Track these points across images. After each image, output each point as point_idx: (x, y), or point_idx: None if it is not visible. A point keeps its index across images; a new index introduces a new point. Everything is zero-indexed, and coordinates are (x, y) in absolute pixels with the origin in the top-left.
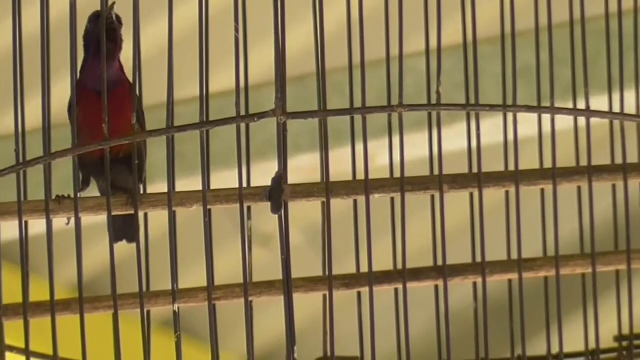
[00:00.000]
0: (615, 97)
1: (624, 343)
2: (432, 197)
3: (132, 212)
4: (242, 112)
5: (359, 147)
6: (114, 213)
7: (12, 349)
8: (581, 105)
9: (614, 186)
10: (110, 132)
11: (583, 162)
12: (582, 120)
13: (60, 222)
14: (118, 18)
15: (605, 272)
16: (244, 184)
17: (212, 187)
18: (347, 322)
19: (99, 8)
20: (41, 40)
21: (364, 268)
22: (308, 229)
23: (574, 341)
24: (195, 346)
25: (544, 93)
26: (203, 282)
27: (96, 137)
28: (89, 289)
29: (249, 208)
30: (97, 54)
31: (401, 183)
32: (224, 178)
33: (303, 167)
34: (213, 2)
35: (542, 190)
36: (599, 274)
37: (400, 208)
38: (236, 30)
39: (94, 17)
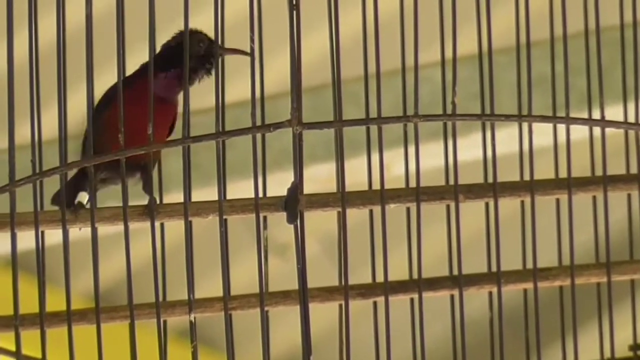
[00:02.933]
0: (631, 107)
1: (639, 352)
2: (448, 207)
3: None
4: (258, 123)
5: (375, 157)
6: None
7: (29, 359)
8: (596, 115)
9: (629, 196)
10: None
11: (598, 172)
12: (597, 130)
13: (76, 232)
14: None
15: (621, 282)
16: (260, 194)
17: (228, 197)
18: (363, 332)
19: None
20: (57, 51)
21: (380, 278)
22: (324, 239)
23: (589, 350)
24: (212, 356)
25: (560, 103)
26: (219, 292)
27: (141, 138)
28: (106, 299)
29: (265, 218)
30: (182, 72)
31: (417, 193)
32: (240, 188)
33: (319, 178)
34: (229, 13)
35: (558, 200)
36: (614, 283)
37: (416, 218)
38: (252, 40)
39: (207, 41)
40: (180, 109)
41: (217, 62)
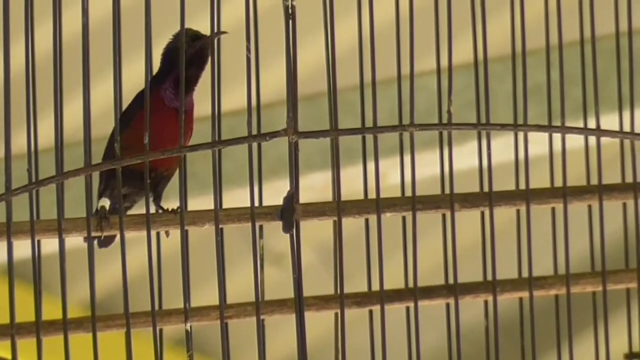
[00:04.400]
0: (626, 116)
1: None
2: (444, 216)
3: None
4: (254, 132)
5: (371, 166)
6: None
7: None
8: (592, 124)
9: (624, 205)
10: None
11: (594, 181)
12: (592, 140)
13: (72, 241)
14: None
15: (616, 290)
16: (256, 203)
17: (224, 206)
18: (359, 340)
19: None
20: (54, 61)
21: (375, 286)
22: (320, 247)
23: (584, 359)
24: None
25: (555, 112)
26: (215, 301)
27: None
28: (102, 307)
29: (261, 227)
30: (186, 77)
31: (412, 202)
32: (236, 197)
33: (315, 186)
34: (225, 22)
35: (553, 209)
36: (609, 292)
37: (411, 227)
38: (248, 50)
39: (191, 39)
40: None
41: (212, 53)
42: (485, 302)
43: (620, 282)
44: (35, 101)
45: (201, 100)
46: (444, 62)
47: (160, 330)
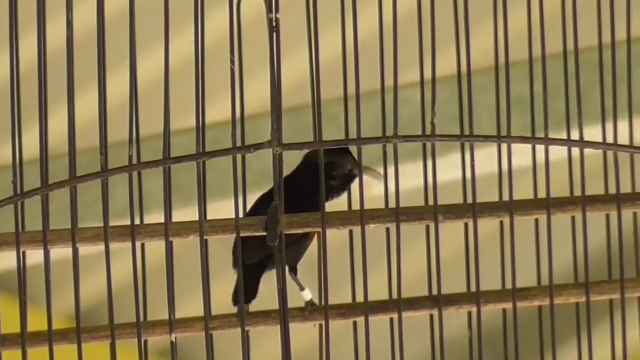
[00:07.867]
0: (609, 128)
1: None
2: (427, 227)
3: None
4: (239, 143)
5: None
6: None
7: None
8: (575, 136)
9: (607, 216)
10: None
11: (577, 192)
12: (576, 151)
13: (57, 252)
14: None
15: (599, 302)
16: (241, 215)
17: (208, 217)
18: (343, 351)
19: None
20: (38, 72)
21: (359, 298)
22: (304, 259)
23: None
24: None
25: (538, 124)
26: (200, 312)
27: None
28: (87, 318)
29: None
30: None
31: (396, 213)
32: (221, 209)
33: None
34: (209, 33)
35: (537, 220)
36: (592, 303)
37: (395, 238)
38: (232, 61)
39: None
40: None
41: (361, 180)
42: (469, 313)
43: (604, 293)
44: (20, 113)
45: (185, 113)
46: (428, 74)
47: (145, 341)
